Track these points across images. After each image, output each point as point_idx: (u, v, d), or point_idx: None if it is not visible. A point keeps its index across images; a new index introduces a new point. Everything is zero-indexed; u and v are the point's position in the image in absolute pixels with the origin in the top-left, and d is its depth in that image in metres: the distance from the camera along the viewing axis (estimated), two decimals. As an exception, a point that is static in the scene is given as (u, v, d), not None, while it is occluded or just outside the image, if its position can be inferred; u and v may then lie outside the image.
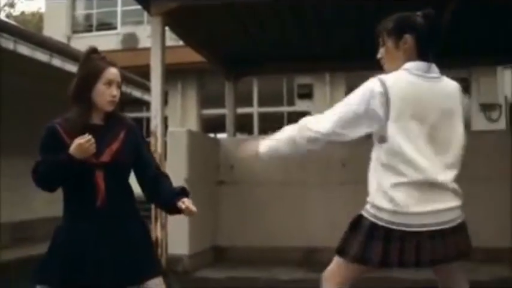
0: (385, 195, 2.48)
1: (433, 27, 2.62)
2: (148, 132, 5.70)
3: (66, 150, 2.51)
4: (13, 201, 8.48)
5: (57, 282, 2.53)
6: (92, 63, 2.67)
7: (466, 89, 13.17)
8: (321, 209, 6.51)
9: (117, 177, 2.65)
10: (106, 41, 13.96)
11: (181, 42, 8.22)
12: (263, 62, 8.25)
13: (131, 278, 2.60)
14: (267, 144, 2.80)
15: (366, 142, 2.67)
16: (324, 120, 2.62)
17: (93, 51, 2.72)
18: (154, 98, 5.70)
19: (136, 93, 10.30)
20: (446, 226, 2.51)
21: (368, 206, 2.56)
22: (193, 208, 2.56)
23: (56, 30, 15.14)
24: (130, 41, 15.15)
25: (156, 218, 5.53)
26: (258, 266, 6.11)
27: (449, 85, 2.66)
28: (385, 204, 2.48)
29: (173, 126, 11.46)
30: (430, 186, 2.48)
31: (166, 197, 2.68)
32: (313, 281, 3.05)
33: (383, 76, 2.53)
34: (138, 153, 2.73)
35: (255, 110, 14.39)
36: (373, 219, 2.51)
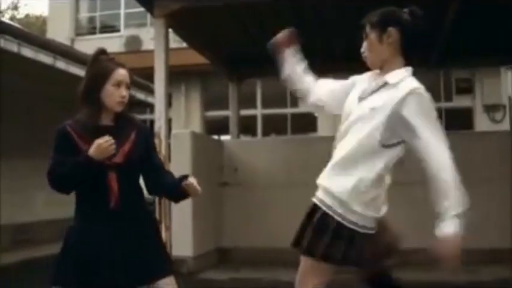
0: (363, 200, 2.50)
1: (419, 26, 2.56)
2: (152, 134, 5.71)
3: (78, 151, 2.52)
4: (13, 203, 8.50)
5: (72, 283, 2.54)
6: (101, 64, 2.67)
7: (469, 89, 13.15)
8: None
9: (129, 178, 2.66)
10: (109, 44, 13.96)
11: (184, 44, 8.24)
12: (266, 63, 8.19)
13: (143, 278, 2.61)
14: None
15: None
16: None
17: (102, 52, 2.73)
18: (158, 100, 5.71)
19: (140, 96, 10.32)
20: None
21: (336, 203, 2.53)
22: (198, 186, 2.59)
23: (59, 32, 15.18)
24: (133, 44, 15.17)
25: (160, 220, 5.53)
26: (262, 267, 6.12)
27: None
28: (361, 209, 2.50)
29: (177, 128, 11.48)
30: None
31: (170, 184, 2.71)
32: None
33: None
34: (147, 155, 2.73)
35: (258, 111, 14.39)
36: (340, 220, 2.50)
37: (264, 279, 5.75)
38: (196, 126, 14.13)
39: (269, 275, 5.83)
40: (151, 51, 6.01)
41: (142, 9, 6.37)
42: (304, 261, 2.63)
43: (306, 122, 14.05)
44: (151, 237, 2.73)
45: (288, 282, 2.64)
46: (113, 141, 2.49)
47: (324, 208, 2.54)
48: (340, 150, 2.58)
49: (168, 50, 5.75)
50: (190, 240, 5.93)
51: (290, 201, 6.66)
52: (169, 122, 5.95)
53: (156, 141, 5.56)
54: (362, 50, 2.67)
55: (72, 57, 8.51)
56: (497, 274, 5.60)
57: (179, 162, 5.80)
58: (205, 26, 6.63)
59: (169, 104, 6.00)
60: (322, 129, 13.13)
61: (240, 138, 9.05)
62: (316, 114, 13.99)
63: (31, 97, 8.96)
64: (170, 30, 6.01)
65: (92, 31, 16.72)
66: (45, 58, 8.00)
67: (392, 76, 2.53)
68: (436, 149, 2.41)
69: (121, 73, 2.66)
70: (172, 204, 5.45)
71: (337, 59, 7.81)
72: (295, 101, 14.28)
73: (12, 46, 7.32)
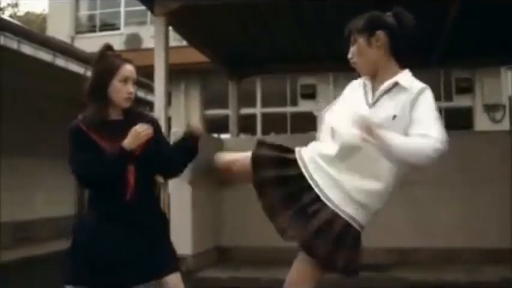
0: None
1: (404, 26, 2.55)
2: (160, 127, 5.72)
3: (97, 147, 2.53)
4: (13, 201, 8.50)
5: (85, 282, 2.53)
6: (108, 60, 2.66)
7: (469, 89, 13.15)
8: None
9: (145, 171, 2.65)
10: (109, 42, 13.93)
11: (184, 43, 8.23)
12: (266, 62, 8.25)
13: (152, 273, 2.61)
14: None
15: None
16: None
17: (108, 48, 2.72)
18: (158, 98, 5.70)
19: (140, 94, 10.32)
20: None
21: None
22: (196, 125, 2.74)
23: (59, 30, 15.17)
24: (133, 42, 15.16)
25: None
26: (261, 266, 6.11)
27: None
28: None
29: (177, 127, 11.45)
30: None
31: (176, 149, 2.81)
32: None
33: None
34: (158, 149, 2.72)
35: (258, 110, 14.39)
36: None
37: (263, 278, 5.74)
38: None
39: (268, 274, 5.81)
40: (151, 50, 5.99)
41: (142, 7, 6.36)
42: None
43: (306, 121, 14.06)
44: (161, 232, 2.74)
45: (288, 281, 2.67)
46: (148, 126, 2.55)
47: None
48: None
49: (168, 48, 5.74)
50: (190, 238, 5.91)
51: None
52: (169, 120, 5.94)
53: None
54: (349, 56, 2.66)
55: (71, 55, 8.50)
56: (498, 274, 5.59)
57: (179, 161, 5.79)
58: (205, 25, 6.62)
59: (169, 102, 5.99)
60: (322, 128, 13.12)
61: (239, 137, 9.04)
62: (315, 113, 13.99)
63: (32, 95, 8.95)
64: (170, 28, 6.00)
65: (92, 29, 16.71)
66: (45, 56, 7.99)
67: (401, 78, 2.51)
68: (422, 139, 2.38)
69: (128, 69, 2.66)
70: (172, 202, 5.44)
71: (337, 59, 7.79)
72: (294, 99, 14.30)
73: (12, 43, 7.31)
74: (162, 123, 5.59)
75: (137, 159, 2.58)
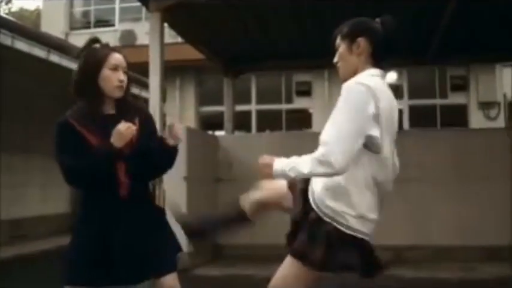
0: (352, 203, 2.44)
1: (390, 35, 2.54)
2: (152, 117, 5.70)
3: (86, 143, 2.46)
4: (10, 198, 8.47)
5: (84, 282, 2.50)
6: (95, 50, 2.61)
7: (464, 86, 13.17)
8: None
9: (138, 167, 2.58)
10: (104, 38, 13.54)
11: (179, 39, 8.20)
12: (261, 59, 8.23)
13: (150, 273, 2.59)
14: None
15: None
16: None
17: (95, 40, 2.67)
18: (153, 94, 5.68)
19: (135, 90, 10.29)
20: None
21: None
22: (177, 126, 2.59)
23: (53, 27, 15.09)
24: (128, 38, 15.09)
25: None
26: (256, 264, 6.10)
27: None
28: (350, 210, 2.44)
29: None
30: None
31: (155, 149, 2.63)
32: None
33: (365, 81, 2.41)
34: (149, 140, 2.65)
35: (253, 107, 14.36)
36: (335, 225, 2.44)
37: (258, 276, 5.73)
38: (191, 121, 14.09)
39: (263, 271, 5.80)
40: (146, 46, 5.97)
41: (137, 3, 6.34)
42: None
43: (301, 118, 14.05)
44: (160, 229, 2.70)
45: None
46: (132, 125, 2.45)
47: None
48: None
49: (163, 44, 5.72)
50: (185, 235, 5.90)
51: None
52: (163, 117, 5.92)
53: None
54: (335, 60, 2.65)
55: (65, 50, 8.46)
56: (496, 271, 5.61)
57: (174, 158, 5.78)
58: (200, 21, 6.60)
59: (164, 99, 5.97)
60: (317, 125, 13.11)
61: (234, 134, 9.03)
62: (310, 110, 13.99)
63: (28, 92, 8.91)
64: (165, 24, 5.98)
65: (87, 25, 16.63)
66: (39, 52, 7.95)
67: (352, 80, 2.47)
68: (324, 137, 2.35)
69: (116, 57, 2.60)
70: (167, 200, 5.42)
71: (333, 56, 7.78)
72: (289, 97, 14.28)
73: (6, 40, 7.27)
74: (157, 119, 5.58)
75: (127, 156, 2.53)
